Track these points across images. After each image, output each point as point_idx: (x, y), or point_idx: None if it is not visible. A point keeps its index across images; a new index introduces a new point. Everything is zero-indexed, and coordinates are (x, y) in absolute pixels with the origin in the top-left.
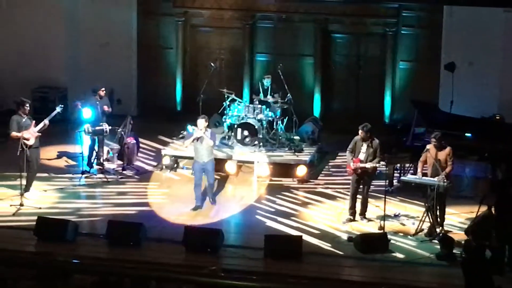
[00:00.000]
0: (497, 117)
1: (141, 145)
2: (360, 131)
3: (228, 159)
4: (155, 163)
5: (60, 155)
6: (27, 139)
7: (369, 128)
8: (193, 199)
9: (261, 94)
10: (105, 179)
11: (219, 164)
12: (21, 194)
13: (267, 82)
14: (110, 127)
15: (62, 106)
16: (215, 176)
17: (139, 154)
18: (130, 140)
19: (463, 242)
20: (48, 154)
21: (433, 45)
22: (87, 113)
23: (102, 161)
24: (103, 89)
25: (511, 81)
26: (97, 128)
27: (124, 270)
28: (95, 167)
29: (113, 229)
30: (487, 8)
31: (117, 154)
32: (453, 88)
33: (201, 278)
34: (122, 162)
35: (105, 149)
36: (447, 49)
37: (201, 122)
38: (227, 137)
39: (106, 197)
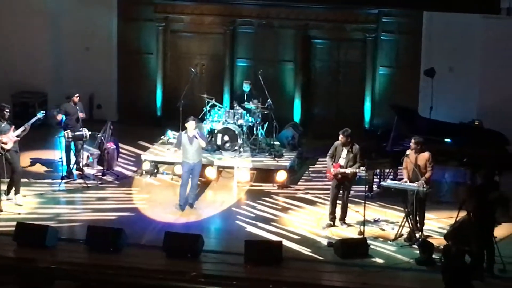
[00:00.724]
0: (476, 123)
1: (121, 150)
2: (340, 136)
3: (209, 164)
4: (135, 169)
5: (34, 161)
6: (5, 143)
7: (350, 133)
8: (173, 204)
9: (246, 103)
10: (85, 185)
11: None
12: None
13: (246, 87)
14: (90, 132)
15: (44, 112)
16: None
17: (119, 160)
18: (110, 145)
19: (442, 247)
20: (27, 160)
21: (412, 51)
22: (59, 117)
23: (81, 167)
24: (77, 95)
25: (490, 86)
26: (77, 133)
27: (105, 276)
28: (75, 172)
29: (93, 235)
30: (466, 14)
31: (97, 160)
32: (433, 93)
33: (181, 284)
34: (102, 168)
35: (85, 154)
36: (427, 54)
37: (191, 123)
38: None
39: (86, 202)
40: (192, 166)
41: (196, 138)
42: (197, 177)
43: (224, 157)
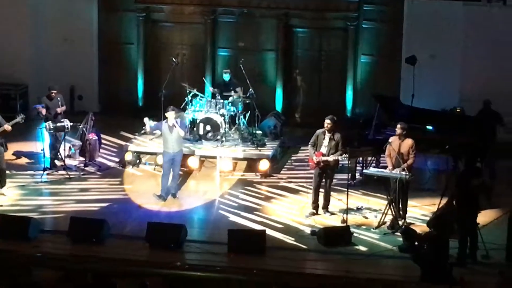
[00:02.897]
0: (457, 110)
1: (103, 141)
2: (328, 122)
3: (191, 154)
4: (117, 159)
5: (16, 153)
6: None
7: (335, 120)
8: (156, 195)
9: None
10: (67, 176)
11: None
12: None
13: (226, 76)
14: (71, 124)
15: (24, 116)
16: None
17: (101, 150)
18: (92, 136)
19: (425, 234)
20: (9, 152)
21: (394, 39)
22: (43, 111)
23: (63, 158)
24: (54, 91)
25: (471, 74)
26: (58, 124)
27: (87, 265)
28: (57, 163)
29: (76, 226)
30: (447, 1)
31: (79, 151)
32: (414, 81)
33: (165, 270)
34: (84, 159)
35: (67, 145)
36: (408, 42)
37: (171, 114)
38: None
39: (69, 193)
40: (172, 156)
41: (175, 126)
42: (178, 166)
43: (206, 146)
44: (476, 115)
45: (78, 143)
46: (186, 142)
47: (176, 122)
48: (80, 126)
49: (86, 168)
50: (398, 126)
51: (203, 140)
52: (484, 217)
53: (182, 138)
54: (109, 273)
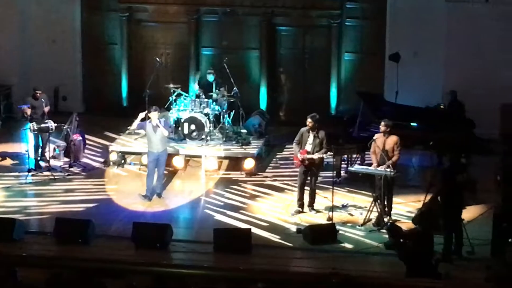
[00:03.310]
0: (441, 106)
1: (87, 141)
2: (309, 121)
3: (176, 153)
4: (102, 160)
5: (3, 155)
6: None
7: (318, 118)
8: (140, 195)
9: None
10: (52, 177)
11: (166, 158)
12: None
13: (210, 77)
14: (55, 124)
15: (1, 122)
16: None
17: (86, 151)
18: (76, 137)
19: (410, 231)
20: None
21: (377, 36)
22: (28, 111)
23: (48, 159)
24: (38, 92)
25: (454, 70)
26: (43, 125)
27: (73, 266)
28: (42, 164)
29: (61, 227)
30: None
31: (63, 151)
32: (398, 78)
33: (151, 268)
34: (68, 159)
35: (51, 146)
36: (391, 39)
37: (154, 114)
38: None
39: (54, 194)
40: (157, 156)
41: (159, 126)
42: (163, 166)
43: (191, 146)
44: (447, 107)
45: (62, 144)
46: (171, 142)
47: (160, 122)
48: (64, 127)
49: (71, 169)
50: (382, 123)
51: (187, 140)
52: (469, 213)
53: (167, 137)
54: (96, 273)
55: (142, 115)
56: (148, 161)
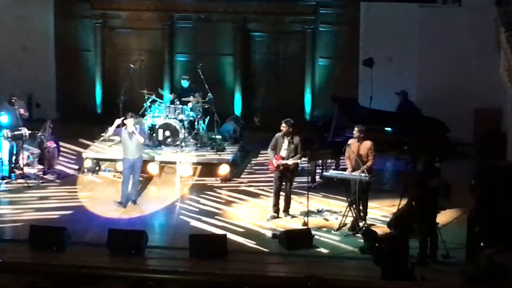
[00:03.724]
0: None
1: (61, 148)
2: (283, 126)
3: (150, 160)
4: (76, 167)
5: None
6: None
7: (292, 123)
8: (115, 201)
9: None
10: (26, 184)
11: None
12: None
13: (185, 83)
14: (29, 132)
15: None
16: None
17: (60, 158)
18: (50, 144)
19: (385, 235)
20: None
21: (351, 42)
22: (4, 119)
23: (22, 166)
24: (15, 97)
25: (428, 75)
26: (16, 132)
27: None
28: (15, 172)
29: (36, 234)
30: (403, 3)
31: (37, 159)
32: (372, 83)
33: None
34: (43, 167)
35: (25, 153)
36: (365, 45)
37: (130, 121)
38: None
39: (28, 202)
40: (132, 162)
41: (135, 133)
42: (138, 173)
43: (166, 152)
44: (398, 108)
45: (36, 151)
46: (145, 148)
47: (136, 128)
48: (38, 134)
49: (45, 176)
50: (356, 129)
51: (162, 146)
52: (443, 217)
53: (142, 144)
54: (70, 281)
55: (118, 121)
56: (124, 168)
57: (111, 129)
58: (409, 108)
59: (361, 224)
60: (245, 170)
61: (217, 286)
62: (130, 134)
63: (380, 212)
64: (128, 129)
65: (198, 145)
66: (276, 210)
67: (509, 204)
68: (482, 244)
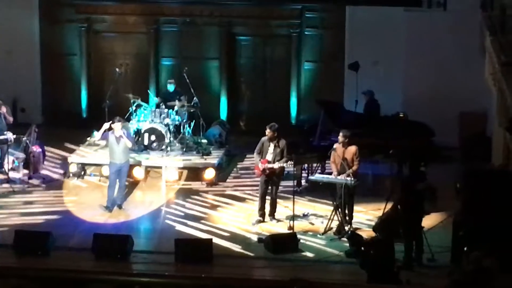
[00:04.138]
0: (401, 115)
1: (47, 153)
2: (267, 131)
3: (136, 164)
4: (62, 171)
5: None
6: None
7: (276, 128)
8: (101, 206)
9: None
10: (11, 189)
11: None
12: None
13: (170, 87)
14: (14, 136)
15: None
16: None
17: (45, 163)
18: (36, 149)
19: (370, 239)
20: None
21: (337, 45)
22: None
23: (7, 171)
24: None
25: (414, 79)
26: (1, 137)
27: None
28: (1, 177)
29: (21, 239)
30: (388, 7)
31: (22, 163)
32: (358, 87)
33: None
34: (28, 171)
35: (10, 158)
36: (351, 48)
37: (118, 125)
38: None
39: (13, 207)
40: (119, 167)
41: (122, 137)
42: (124, 177)
43: (151, 156)
44: (364, 108)
45: (21, 155)
46: (131, 153)
47: (124, 133)
48: (23, 139)
49: (30, 181)
50: (340, 134)
51: (148, 150)
52: (429, 220)
53: (129, 148)
54: (55, 285)
55: (106, 125)
56: (110, 172)
57: (98, 134)
58: (375, 108)
59: (346, 228)
60: (231, 174)
61: None
62: (117, 138)
63: (366, 216)
64: (116, 134)
65: (184, 150)
66: (262, 214)
67: (494, 208)
68: (465, 248)
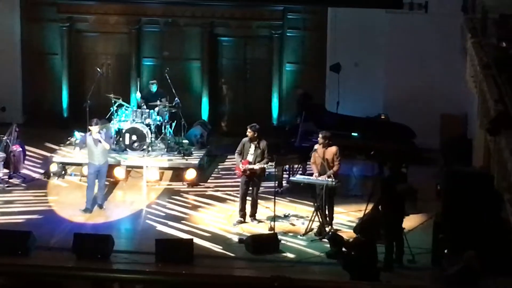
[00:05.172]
0: (382, 117)
1: (27, 152)
2: (248, 131)
3: (117, 164)
4: (42, 171)
5: None
6: None
7: (257, 128)
8: (81, 208)
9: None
10: None
11: (107, 170)
12: None
13: (153, 87)
14: None
15: None
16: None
17: (26, 162)
18: (16, 148)
19: (351, 240)
20: None
21: (318, 47)
22: None
23: None
24: None
25: (395, 80)
26: None
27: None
28: None
29: (1, 239)
30: (370, 9)
31: (2, 163)
32: (339, 88)
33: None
34: (8, 171)
35: None
36: (332, 50)
37: (95, 128)
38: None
39: None
40: (98, 168)
41: (100, 142)
42: (104, 178)
43: (131, 156)
44: (300, 108)
45: (2, 155)
46: (112, 153)
47: (101, 134)
48: (4, 138)
49: (10, 180)
50: (320, 135)
51: (129, 150)
52: (409, 222)
53: (107, 150)
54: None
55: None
56: (89, 173)
57: (78, 142)
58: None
59: (327, 229)
60: (212, 175)
61: (183, 287)
62: (95, 140)
63: (346, 217)
64: (93, 136)
65: (165, 150)
66: (243, 215)
67: (474, 210)
68: (446, 250)
